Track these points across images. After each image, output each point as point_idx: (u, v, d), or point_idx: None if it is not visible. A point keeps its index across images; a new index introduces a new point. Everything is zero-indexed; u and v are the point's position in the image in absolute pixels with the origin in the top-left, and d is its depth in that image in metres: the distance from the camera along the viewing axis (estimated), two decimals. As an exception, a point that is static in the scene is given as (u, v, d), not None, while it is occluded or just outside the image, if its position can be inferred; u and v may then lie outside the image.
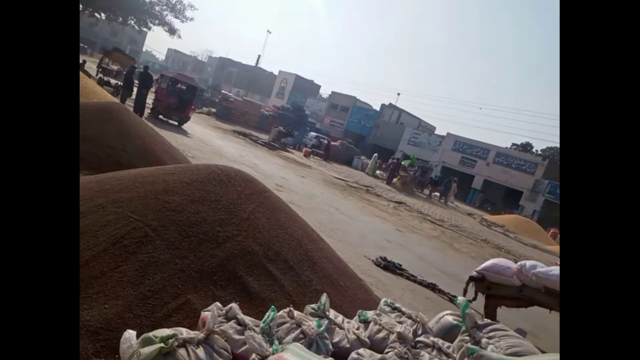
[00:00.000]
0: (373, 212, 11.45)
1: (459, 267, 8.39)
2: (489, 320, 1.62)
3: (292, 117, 31.81)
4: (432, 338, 2.24)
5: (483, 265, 5.00)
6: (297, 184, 11.46)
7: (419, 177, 22.29)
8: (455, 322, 2.79)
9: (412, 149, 35.96)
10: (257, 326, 1.70)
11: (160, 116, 15.69)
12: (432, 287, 5.56)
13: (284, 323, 1.83)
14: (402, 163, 22.43)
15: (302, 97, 48.52)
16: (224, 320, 1.66)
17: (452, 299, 5.40)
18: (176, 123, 15.47)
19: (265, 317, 1.76)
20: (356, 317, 2.36)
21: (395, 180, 21.60)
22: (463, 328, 2.75)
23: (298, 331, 1.76)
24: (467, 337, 1.52)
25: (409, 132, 37.03)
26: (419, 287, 5.45)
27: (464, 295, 5.19)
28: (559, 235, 23.48)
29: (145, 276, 2.42)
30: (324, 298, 2.20)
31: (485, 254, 11.13)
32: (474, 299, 5.25)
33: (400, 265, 5.90)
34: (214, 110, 29.45)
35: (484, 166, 31.55)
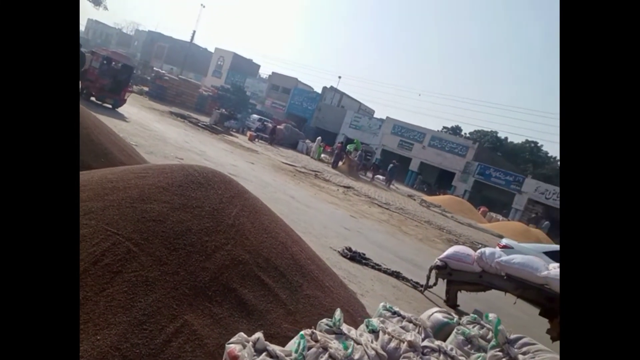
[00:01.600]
0: (326, 199, 11.54)
1: (412, 251, 8.80)
2: (518, 335, 1.69)
3: (232, 98, 30.68)
4: (436, 342, 2.31)
5: (445, 254, 5.26)
6: (248, 171, 11.16)
7: (363, 161, 22.82)
8: (445, 319, 2.91)
9: (353, 132, 36.62)
10: (288, 356, 1.61)
11: (93, 98, 14.27)
12: (396, 275, 5.77)
13: (309, 347, 1.76)
14: (347, 147, 22.79)
15: (241, 77, 46.95)
16: (255, 355, 1.55)
17: (415, 286, 5.65)
18: (110, 106, 14.18)
19: (296, 345, 1.68)
20: (363, 327, 2.35)
21: (340, 164, 21.92)
22: (454, 323, 2.88)
23: (326, 356, 1.70)
24: (500, 353, 1.57)
25: (351, 116, 37.61)
26: (384, 275, 5.62)
27: (427, 281, 5.46)
28: (488, 213, 25.60)
29: (136, 298, 2.19)
30: (337, 314, 2.15)
31: (430, 235, 11.79)
32: (435, 284, 5.54)
33: (364, 254, 6.03)
34: (146, 89, 27.44)
35: (421, 149, 33.14)
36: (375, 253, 6.72)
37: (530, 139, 58.39)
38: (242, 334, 1.75)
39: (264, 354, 1.52)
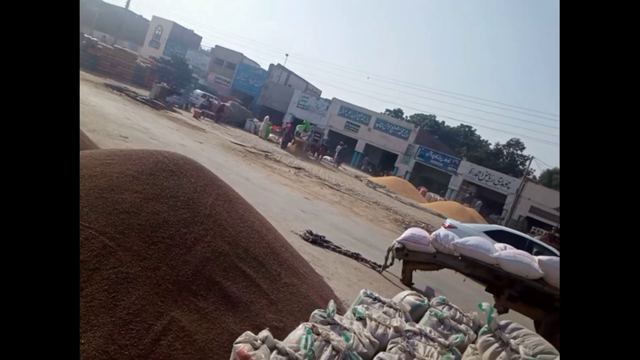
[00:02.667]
0: (279, 180, 11.47)
1: (365, 232, 9.11)
2: (507, 321, 1.84)
3: (173, 71, 28.90)
4: (417, 326, 2.45)
5: (403, 236, 5.52)
6: (198, 151, 10.73)
7: (312, 142, 22.88)
8: (417, 302, 3.08)
9: (301, 112, 36.41)
10: (297, 351, 1.62)
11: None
12: (356, 256, 5.95)
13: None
14: (297, 128, 22.66)
15: (182, 49, 44.33)
16: (265, 353, 1.54)
17: (374, 267, 5.88)
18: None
19: (304, 341, 1.69)
20: (350, 314, 2.42)
21: (290, 144, 21.80)
22: (426, 305, 3.06)
23: (329, 348, 1.74)
24: (492, 339, 1.71)
25: (298, 95, 37.29)
26: (344, 257, 5.78)
27: (386, 262, 5.71)
28: (427, 193, 27.04)
29: (118, 297, 2.07)
30: (331, 305, 2.20)
31: (379, 216, 12.25)
32: (391, 264, 5.81)
33: (324, 237, 6.14)
34: (76, 58, 24.93)
35: (366, 131, 33.90)
36: (333, 235, 6.86)
37: (465, 124, 62.01)
38: (249, 332, 1.74)
39: (274, 352, 1.52)
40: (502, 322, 1.81)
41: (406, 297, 3.12)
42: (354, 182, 19.34)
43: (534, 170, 31.34)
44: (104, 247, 2.20)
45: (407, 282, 5.69)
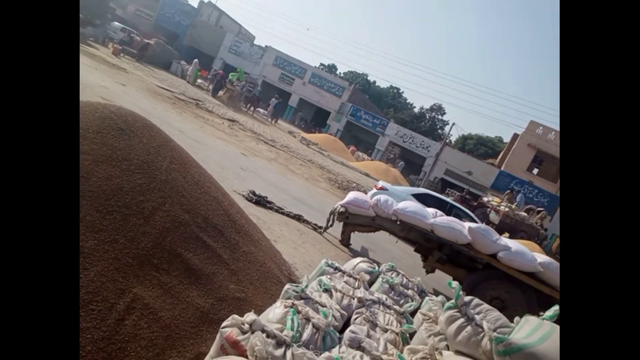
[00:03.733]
0: (213, 133, 10.94)
1: (302, 191, 9.22)
2: (470, 297, 2.03)
3: (86, -3, 25.15)
4: (376, 295, 2.61)
5: (346, 200, 5.70)
6: (122, 96, 9.71)
7: (246, 92, 21.95)
8: (370, 268, 3.25)
9: (232, 57, 34.39)
10: (282, 332, 1.63)
11: None
12: (298, 218, 6.04)
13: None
14: (229, 77, 21.45)
15: (95, -30, 38.40)
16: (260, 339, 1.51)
17: (315, 228, 6.03)
18: None
19: (289, 322, 1.71)
20: (315, 285, 2.48)
21: (221, 93, 20.69)
22: (377, 271, 3.24)
23: (310, 326, 1.78)
24: (458, 314, 1.88)
25: (230, 39, 34.96)
26: (287, 219, 5.84)
27: (327, 223, 5.90)
28: (356, 152, 27.91)
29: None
30: (305, 280, 2.22)
31: (314, 175, 12.43)
32: (331, 225, 6.02)
33: (267, 197, 6.10)
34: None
35: (301, 85, 33.31)
36: (273, 195, 6.84)
37: (394, 85, 63.90)
38: (235, 316, 1.70)
39: (263, 334, 1.52)
40: (467, 299, 1.99)
41: (359, 265, 3.27)
42: (288, 138, 19.19)
43: (451, 135, 33.75)
44: (52, 219, 1.95)
45: (346, 243, 5.96)
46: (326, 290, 2.42)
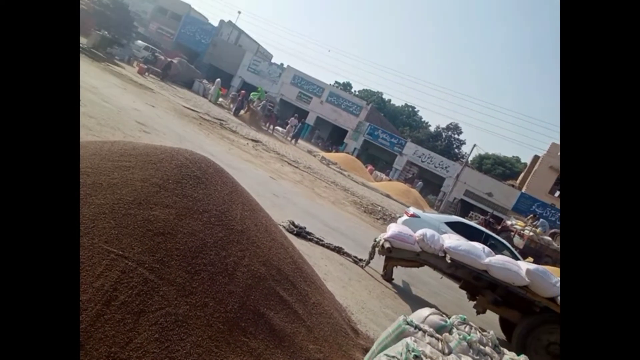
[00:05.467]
0: (240, 155, 10.95)
1: (333, 217, 9.09)
2: None
3: (112, 17, 25.83)
4: (463, 358, 2.45)
5: (390, 234, 5.54)
6: (155, 118, 9.81)
7: (266, 112, 22.12)
8: (442, 322, 3.07)
9: (251, 76, 34.88)
10: None
11: None
12: (338, 250, 5.90)
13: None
14: (250, 96, 21.68)
15: (120, -9, 39.67)
16: None
17: (356, 261, 5.87)
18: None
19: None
20: (403, 350, 2.33)
21: (242, 112, 20.87)
22: (449, 325, 3.08)
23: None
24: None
25: (249, 58, 35.53)
26: (328, 251, 5.70)
27: (370, 257, 5.74)
28: (374, 171, 27.75)
29: (172, 347, 1.77)
30: (382, 339, 2.07)
31: (339, 198, 12.31)
32: (372, 259, 5.86)
33: (305, 228, 5.98)
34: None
35: (318, 104, 33.51)
36: (308, 223, 6.71)
37: (409, 104, 63.98)
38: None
39: None
40: None
41: (429, 317, 3.10)
42: (308, 158, 19.18)
43: (468, 155, 33.39)
44: (146, 282, 1.86)
45: (388, 277, 5.78)
46: (416, 357, 2.26)
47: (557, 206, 26.27)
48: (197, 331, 1.88)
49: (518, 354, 3.00)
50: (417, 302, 5.54)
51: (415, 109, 64.01)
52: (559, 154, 27.24)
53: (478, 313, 5.22)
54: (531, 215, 20.29)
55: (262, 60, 36.60)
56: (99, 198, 2.08)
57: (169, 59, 22.35)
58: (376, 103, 58.84)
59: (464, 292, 6.07)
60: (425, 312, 3.23)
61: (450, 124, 56.54)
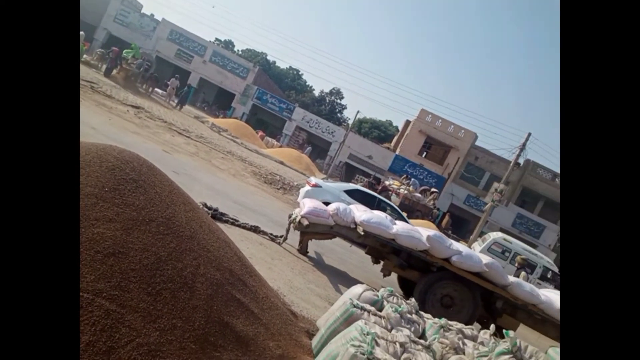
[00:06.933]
0: (125, 126, 9.76)
1: (236, 191, 8.88)
2: (525, 344, 2.26)
3: None
4: (404, 332, 2.77)
5: (306, 210, 5.73)
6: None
7: (144, 71, 19.81)
8: (375, 297, 3.39)
9: (119, 29, 30.49)
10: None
11: None
12: (255, 229, 5.87)
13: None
14: (124, 54, 19.05)
15: None
16: None
17: (272, 239, 5.94)
18: None
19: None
20: (359, 334, 2.51)
21: (115, 72, 18.34)
22: (380, 299, 3.39)
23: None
24: (514, 359, 2.12)
25: (116, 7, 30.82)
26: (245, 231, 5.63)
27: (286, 234, 5.89)
28: (265, 137, 27.53)
29: (151, 383, 1.62)
30: (369, 338, 2.24)
31: (238, 169, 12.03)
32: (286, 238, 6.03)
33: (218, 209, 5.78)
34: None
35: (201, 64, 31.24)
36: (215, 201, 6.47)
37: (293, 67, 63.93)
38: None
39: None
40: (522, 345, 2.26)
41: (364, 294, 3.38)
42: (197, 125, 18.02)
43: (349, 119, 35.46)
44: (108, 315, 1.66)
45: (304, 251, 6.01)
46: (373, 340, 2.48)
47: (425, 166, 29.90)
48: (172, 357, 1.76)
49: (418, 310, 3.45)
50: (332, 272, 5.92)
51: (300, 73, 64.39)
52: (427, 118, 30.73)
53: (384, 275, 5.84)
54: (404, 176, 22.94)
55: (132, 10, 32.14)
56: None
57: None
58: (261, 65, 57.42)
59: (367, 257, 6.69)
60: (358, 289, 3.50)
61: (333, 88, 58.63)
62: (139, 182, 2.29)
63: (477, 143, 30.62)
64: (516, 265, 8.52)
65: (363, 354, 2.13)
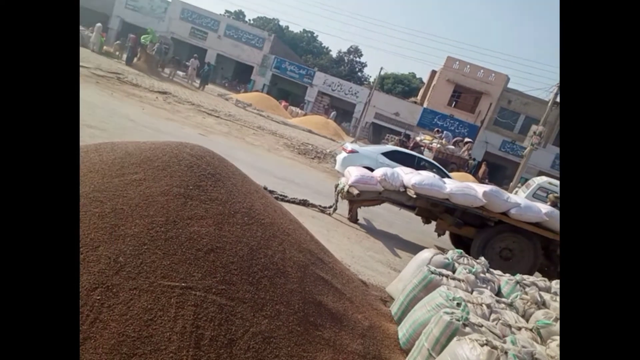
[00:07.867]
0: (159, 114, 9.91)
1: (275, 165, 8.95)
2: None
3: None
4: (482, 292, 2.78)
5: (353, 179, 5.71)
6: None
7: (163, 55, 19.83)
8: (445, 260, 3.39)
9: (132, 15, 30.38)
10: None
11: None
12: (304, 203, 5.94)
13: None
14: (142, 40, 19.06)
15: None
16: None
17: (322, 210, 6.00)
18: None
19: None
20: (441, 301, 2.54)
21: (136, 60, 18.46)
22: (451, 261, 3.39)
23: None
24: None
25: (124, -8, 30.62)
26: (295, 206, 5.71)
27: (335, 204, 5.92)
28: (289, 107, 27.34)
29: (274, 368, 1.70)
30: (463, 307, 2.26)
31: (272, 143, 12.08)
32: (336, 209, 6.07)
33: (266, 187, 5.86)
34: None
35: (216, 39, 30.88)
36: (260, 178, 6.55)
37: (307, 29, 62.14)
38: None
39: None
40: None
41: (434, 258, 3.39)
42: (223, 103, 18.08)
43: (370, 77, 34.44)
44: (221, 309, 1.73)
45: (354, 219, 6.06)
46: (459, 305, 2.50)
47: (456, 116, 28.98)
48: (284, 342, 1.84)
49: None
50: (385, 237, 5.96)
51: (315, 34, 62.60)
52: (454, 66, 29.42)
53: (439, 235, 5.82)
54: (436, 129, 22.33)
55: (140, -7, 31.78)
56: (129, 227, 1.78)
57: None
58: (273, 31, 56.13)
59: (414, 218, 6.68)
60: (426, 254, 3.50)
61: (351, 47, 56.83)
62: (216, 176, 2.32)
63: (510, 85, 29.20)
64: (548, 203, 7.96)
65: (459, 320, 2.15)
